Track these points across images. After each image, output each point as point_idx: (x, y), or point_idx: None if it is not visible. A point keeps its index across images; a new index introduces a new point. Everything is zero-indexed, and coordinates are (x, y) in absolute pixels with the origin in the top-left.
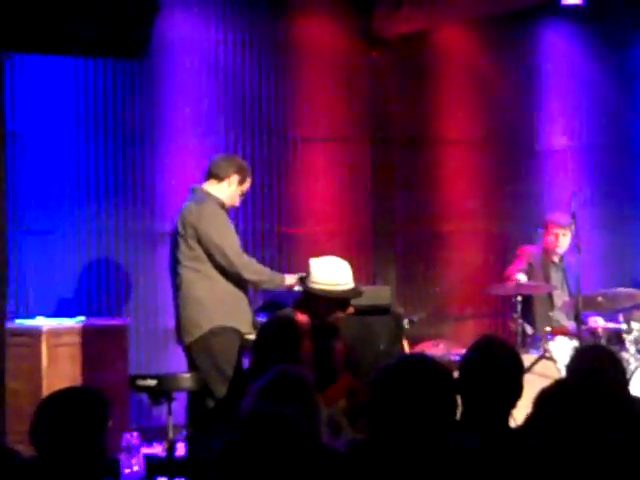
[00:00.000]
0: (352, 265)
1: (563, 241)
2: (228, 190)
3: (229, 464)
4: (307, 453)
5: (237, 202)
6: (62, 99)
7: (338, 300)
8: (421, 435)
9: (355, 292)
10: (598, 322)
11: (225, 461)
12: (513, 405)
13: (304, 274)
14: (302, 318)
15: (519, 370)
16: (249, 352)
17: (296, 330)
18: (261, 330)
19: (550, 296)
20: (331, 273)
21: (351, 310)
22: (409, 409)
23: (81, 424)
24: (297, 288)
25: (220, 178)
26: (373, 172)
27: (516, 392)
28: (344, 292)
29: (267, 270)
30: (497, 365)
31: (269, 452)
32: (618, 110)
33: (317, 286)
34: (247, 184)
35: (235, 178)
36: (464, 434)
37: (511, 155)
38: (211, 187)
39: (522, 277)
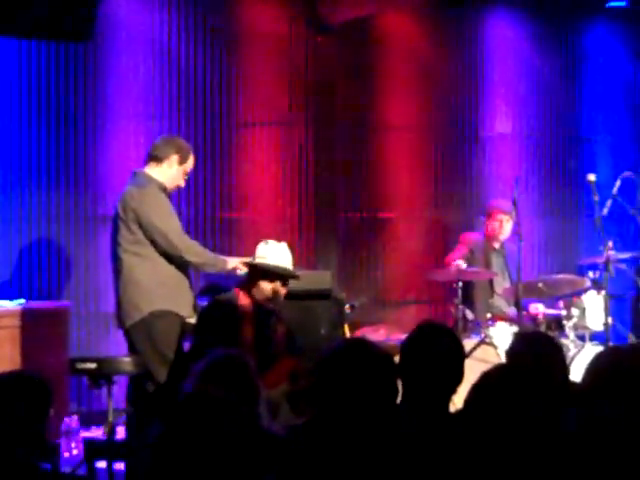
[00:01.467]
0: (293, 250)
1: (506, 227)
2: (169, 171)
3: (166, 446)
4: (245, 435)
5: (181, 183)
6: (4, 81)
7: (277, 275)
8: (360, 419)
9: (292, 273)
10: (539, 309)
11: (162, 443)
12: (454, 390)
13: (247, 259)
14: (244, 301)
15: (460, 355)
16: (189, 335)
17: (237, 314)
18: (202, 313)
19: (491, 282)
20: (273, 251)
21: (285, 291)
22: (350, 392)
23: (22, 410)
24: (239, 272)
25: (159, 160)
26: (316, 157)
27: (457, 377)
28: (283, 269)
29: (209, 253)
30: (438, 349)
31: (207, 434)
32: (561, 97)
33: (259, 260)
34: (189, 163)
35: (175, 158)
36: (403, 418)
37: (454, 141)
38: (152, 170)
39: (462, 263)
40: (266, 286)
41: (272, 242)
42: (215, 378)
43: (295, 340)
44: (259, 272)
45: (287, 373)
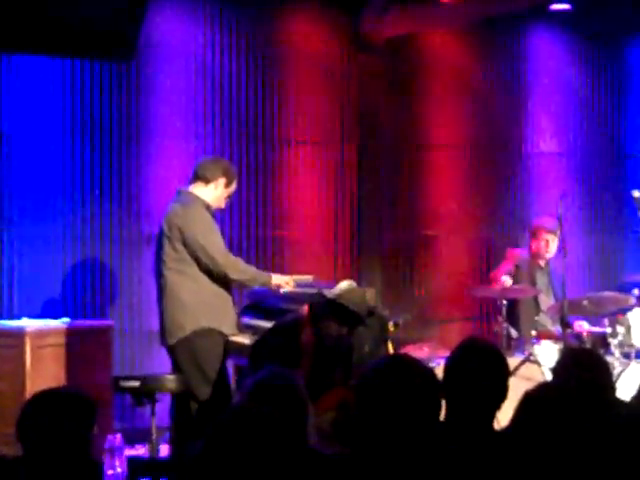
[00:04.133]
0: (337, 267)
1: (552, 246)
2: (215, 192)
3: (209, 462)
4: (291, 453)
5: (223, 204)
6: (50, 100)
7: (352, 315)
8: (403, 436)
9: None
10: (584, 326)
11: (205, 459)
12: (498, 407)
13: (294, 276)
14: (307, 334)
15: (504, 371)
16: (232, 354)
17: (298, 345)
18: (264, 336)
19: (536, 300)
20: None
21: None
22: (393, 410)
23: (67, 426)
24: (283, 290)
25: (207, 180)
26: (359, 175)
27: (501, 394)
28: (361, 308)
29: (253, 269)
30: (482, 366)
31: (250, 449)
32: (605, 115)
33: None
34: (233, 187)
35: (222, 181)
36: (447, 435)
37: (498, 159)
38: (197, 189)
39: (507, 280)
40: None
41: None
42: (263, 395)
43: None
44: (334, 308)
45: (337, 401)
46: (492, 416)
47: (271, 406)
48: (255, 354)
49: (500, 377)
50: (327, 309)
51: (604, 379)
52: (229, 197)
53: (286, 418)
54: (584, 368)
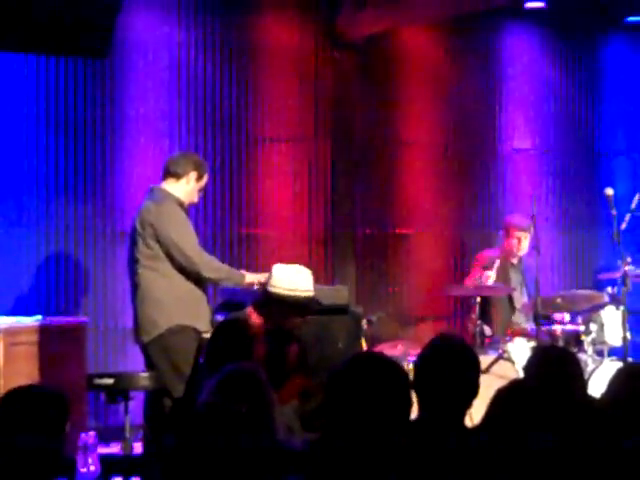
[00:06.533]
0: (311, 265)
1: (524, 244)
2: (186, 187)
3: (180, 460)
4: (260, 448)
5: (196, 199)
6: (24, 96)
7: (295, 306)
8: (372, 432)
9: (313, 301)
10: (565, 318)
11: (176, 457)
12: (469, 404)
13: (266, 274)
14: (256, 321)
15: (475, 368)
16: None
17: (249, 333)
18: (214, 332)
19: (510, 298)
20: (291, 279)
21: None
22: (362, 407)
23: (39, 423)
24: (257, 288)
25: (178, 176)
26: (334, 173)
27: (472, 391)
28: (301, 298)
29: (227, 267)
30: (452, 363)
31: (220, 447)
32: (579, 113)
33: (275, 290)
34: (205, 180)
35: (193, 175)
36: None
37: (472, 157)
38: (169, 186)
39: (491, 275)
40: (281, 316)
41: (289, 267)
42: (228, 392)
43: (308, 358)
44: (274, 300)
45: (298, 391)
46: (463, 413)
47: (237, 402)
48: (209, 350)
49: (471, 374)
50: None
51: (575, 376)
52: (202, 191)
53: (254, 414)
54: (555, 366)
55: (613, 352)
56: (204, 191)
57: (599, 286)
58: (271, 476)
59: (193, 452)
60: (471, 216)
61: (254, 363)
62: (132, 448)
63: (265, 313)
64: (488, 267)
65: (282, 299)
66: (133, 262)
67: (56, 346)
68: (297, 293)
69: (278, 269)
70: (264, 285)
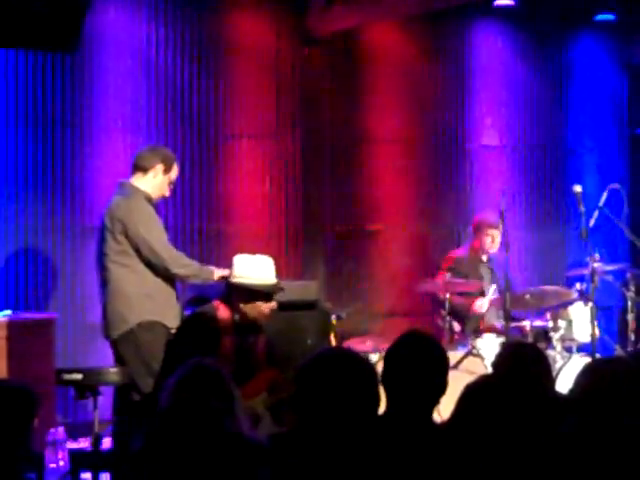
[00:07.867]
0: (281, 261)
1: (497, 241)
2: (154, 181)
3: (148, 458)
4: (227, 444)
5: (167, 192)
6: None
7: (258, 293)
8: (340, 428)
9: (275, 287)
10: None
11: (144, 456)
12: (437, 400)
13: (228, 271)
14: (223, 314)
15: (443, 364)
16: None
17: (215, 326)
18: (181, 326)
19: (482, 295)
20: (252, 267)
21: (274, 305)
22: (330, 402)
23: (5, 418)
24: (218, 280)
25: (145, 169)
26: (303, 169)
27: (440, 386)
28: (264, 286)
29: (196, 264)
30: (420, 358)
31: (186, 444)
32: (548, 109)
33: (238, 280)
34: (174, 172)
35: (160, 167)
36: (386, 427)
37: (441, 153)
38: (137, 181)
39: (484, 304)
40: (248, 306)
41: (249, 257)
42: (192, 387)
43: (275, 351)
44: (238, 291)
45: (267, 383)
46: (431, 409)
47: (199, 398)
48: (176, 341)
49: (439, 370)
50: (237, 294)
51: (543, 372)
52: (172, 184)
53: (216, 410)
54: (523, 361)
55: (582, 348)
56: (174, 185)
57: (568, 283)
58: (237, 470)
59: (159, 451)
60: (440, 212)
61: (216, 358)
62: (101, 444)
63: (231, 305)
64: (481, 295)
65: (245, 288)
66: (102, 257)
67: (25, 341)
68: (259, 281)
69: (239, 259)
70: (227, 277)
